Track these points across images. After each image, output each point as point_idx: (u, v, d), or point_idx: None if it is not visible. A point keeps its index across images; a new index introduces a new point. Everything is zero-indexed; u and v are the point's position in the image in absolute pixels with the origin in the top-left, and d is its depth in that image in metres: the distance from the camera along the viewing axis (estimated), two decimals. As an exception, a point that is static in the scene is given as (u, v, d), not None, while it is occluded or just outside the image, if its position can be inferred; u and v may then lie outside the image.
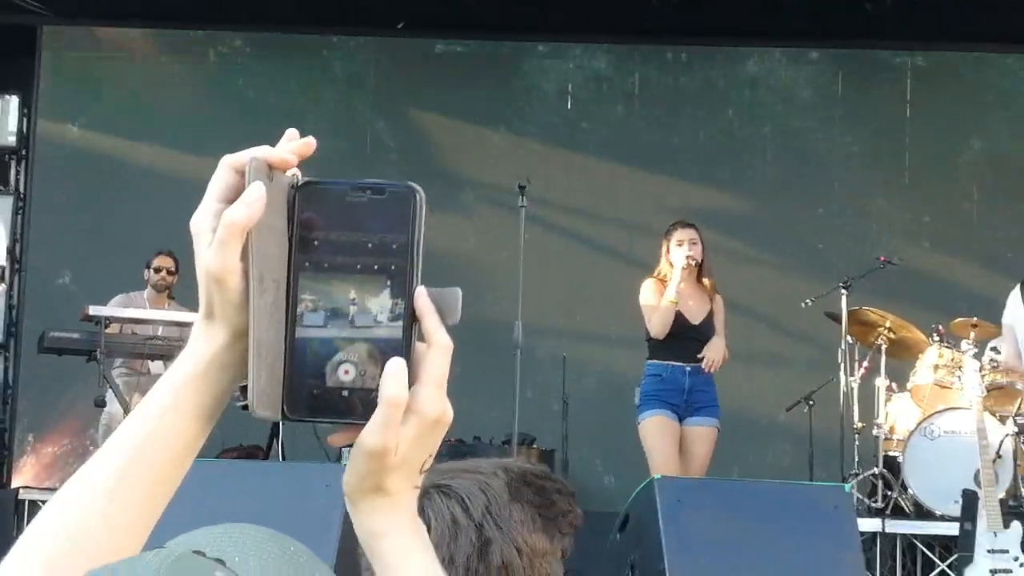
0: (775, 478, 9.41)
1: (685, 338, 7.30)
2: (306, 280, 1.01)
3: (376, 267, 1.01)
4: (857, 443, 8.39)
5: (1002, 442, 7.64)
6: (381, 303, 1.01)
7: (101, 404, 8.40)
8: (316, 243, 1.01)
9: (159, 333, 8.55)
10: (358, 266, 1.01)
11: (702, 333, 7.36)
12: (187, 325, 8.48)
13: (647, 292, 7.41)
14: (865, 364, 8.50)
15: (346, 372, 1.00)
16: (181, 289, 9.08)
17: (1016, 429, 7.79)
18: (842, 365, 8.36)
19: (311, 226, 1.02)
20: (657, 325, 7.27)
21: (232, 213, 1.00)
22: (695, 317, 7.38)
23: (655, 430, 7.20)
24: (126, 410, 8.24)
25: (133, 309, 8.66)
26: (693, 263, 7.32)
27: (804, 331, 9.52)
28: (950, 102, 10.47)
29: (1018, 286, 7.12)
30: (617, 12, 10.16)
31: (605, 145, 10.62)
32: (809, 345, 9.50)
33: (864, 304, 8.49)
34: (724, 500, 5.09)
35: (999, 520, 6.75)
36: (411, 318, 1.01)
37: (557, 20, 10.37)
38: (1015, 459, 7.71)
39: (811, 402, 8.66)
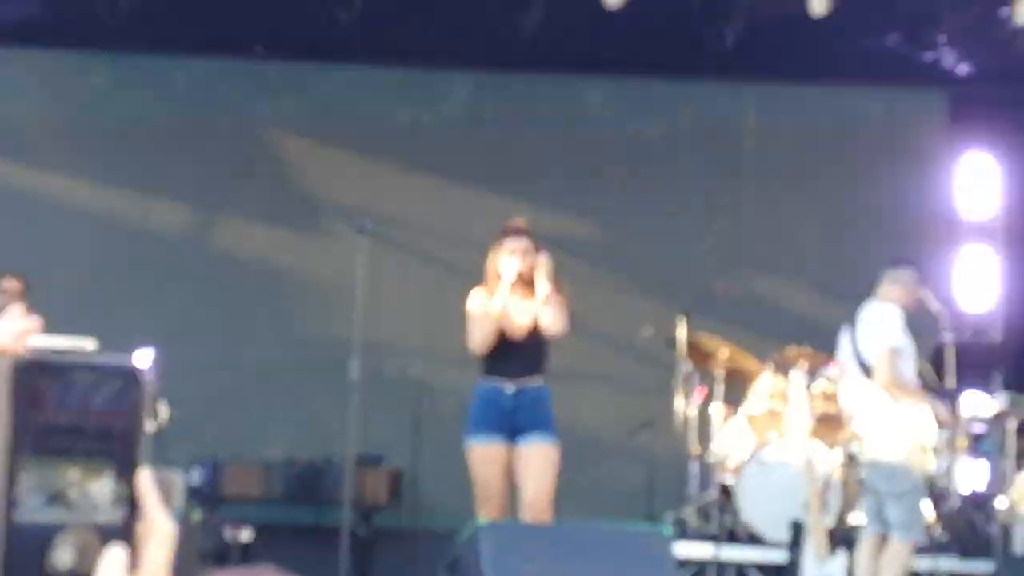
0: (617, 500, 9.64)
1: (509, 354, 6.79)
2: (28, 463, 0.99)
3: (99, 450, 1.00)
4: (697, 468, 8.62)
5: (830, 471, 7.90)
6: (102, 487, 1.00)
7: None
8: (37, 423, 0.99)
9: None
10: (80, 447, 0.99)
11: (526, 348, 6.82)
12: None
13: (472, 303, 6.92)
14: (703, 390, 8.73)
15: (64, 559, 0.99)
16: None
17: (846, 457, 8.05)
18: (681, 391, 8.57)
19: (33, 405, 0.99)
20: (474, 338, 6.81)
21: None
22: (521, 329, 6.84)
23: (477, 459, 6.77)
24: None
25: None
26: (516, 278, 6.78)
27: (644, 356, 9.73)
28: (788, 134, 10.77)
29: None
30: (468, 40, 10.26)
31: (453, 166, 10.73)
32: (649, 370, 9.72)
33: (703, 331, 8.72)
34: (547, 545, 5.23)
35: (825, 549, 7.00)
36: (131, 503, 1.01)
37: (407, 45, 10.44)
38: (844, 487, 7.98)
39: (652, 425, 8.87)
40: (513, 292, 6.82)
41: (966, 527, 8.07)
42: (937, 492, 7.50)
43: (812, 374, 8.33)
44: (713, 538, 8.18)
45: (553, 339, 6.86)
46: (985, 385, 8.90)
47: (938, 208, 10.69)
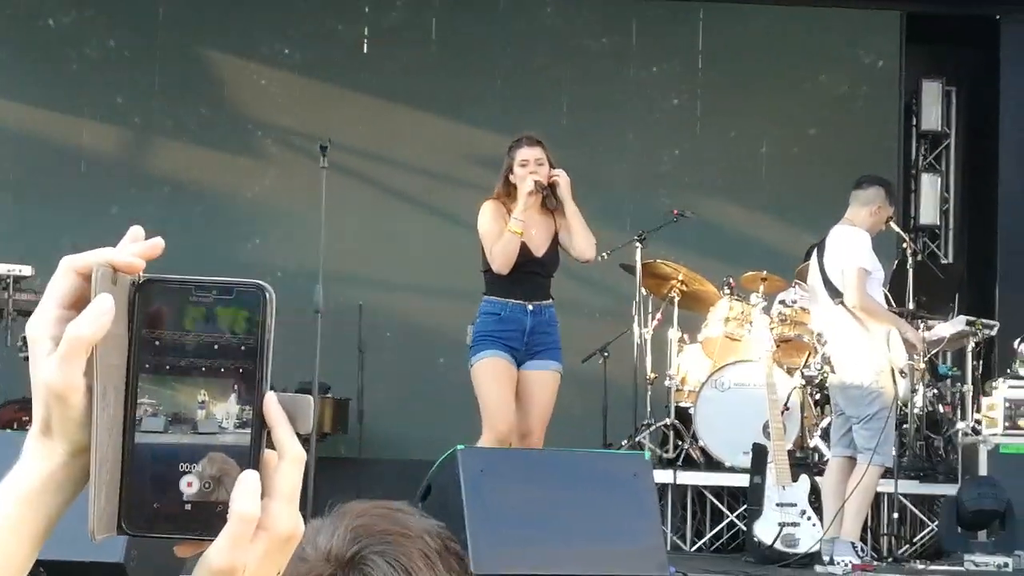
0: (570, 428, 9.55)
1: (528, 272, 6.40)
2: (146, 383, 0.95)
3: (223, 369, 0.95)
4: (650, 394, 8.56)
5: (790, 395, 7.89)
6: (228, 408, 0.95)
7: None
8: (158, 343, 0.95)
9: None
10: (203, 368, 0.95)
11: (546, 267, 6.51)
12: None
13: (486, 218, 6.43)
14: (659, 316, 8.66)
15: (189, 484, 0.95)
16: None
17: (804, 382, 8.04)
18: (636, 317, 8.48)
19: (153, 325, 0.96)
20: (499, 258, 6.31)
21: (78, 327, 0.93)
22: (539, 248, 6.46)
23: (489, 373, 6.32)
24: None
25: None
26: (539, 188, 6.35)
27: (600, 281, 9.62)
28: (739, 54, 10.66)
29: (817, 244, 7.35)
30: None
31: (403, 90, 10.50)
32: (605, 296, 9.62)
33: (658, 256, 8.63)
34: (527, 470, 5.12)
35: (787, 474, 6.97)
36: (260, 426, 0.96)
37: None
38: (802, 411, 7.97)
39: (606, 353, 8.79)
40: (531, 207, 6.39)
41: (926, 450, 8.08)
42: (900, 416, 7.48)
43: (770, 298, 8.30)
44: (671, 463, 8.13)
45: (586, 263, 6.65)
46: (941, 307, 8.90)
47: (891, 130, 10.64)
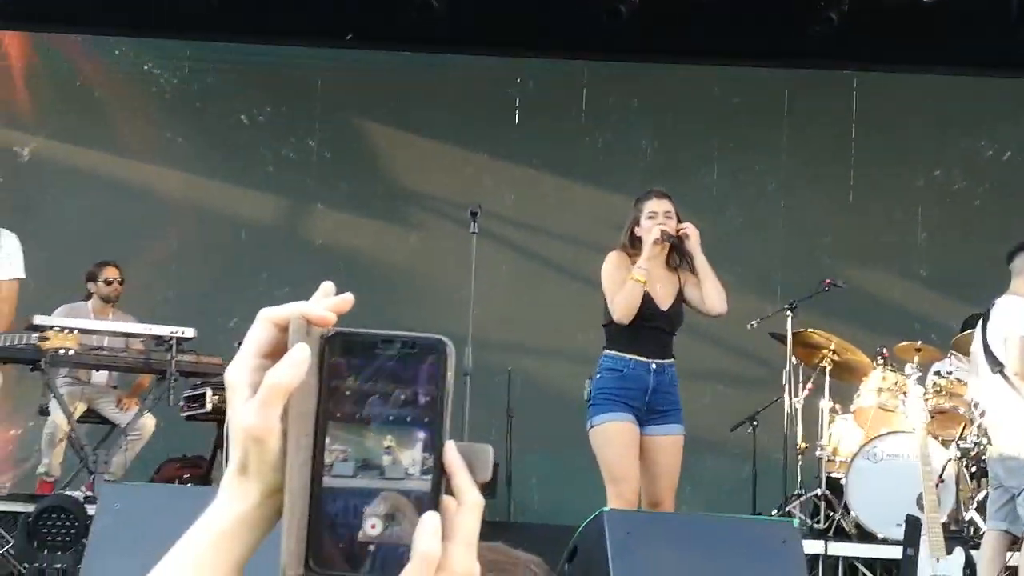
0: (718, 497, 9.49)
1: (652, 328, 6.22)
2: (337, 430, 1.00)
3: (409, 419, 1.00)
4: (800, 464, 8.46)
5: (945, 466, 7.71)
6: (413, 456, 1.00)
7: (45, 413, 8.48)
8: (348, 393, 1.00)
9: (104, 343, 8.49)
10: (391, 417, 1.00)
11: (671, 322, 6.29)
12: (133, 336, 8.46)
13: (610, 268, 6.29)
14: (809, 385, 8.57)
15: (372, 526, 0.99)
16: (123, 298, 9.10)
17: (959, 453, 7.87)
18: (786, 386, 8.42)
19: (342, 375, 1.01)
20: (621, 306, 6.12)
21: (277, 375, 0.99)
22: (663, 303, 6.27)
23: (614, 437, 6.14)
24: (69, 418, 8.19)
25: (79, 319, 8.59)
26: (666, 238, 6.20)
27: (750, 350, 9.58)
28: (895, 123, 10.57)
29: (983, 315, 7.23)
30: (566, 27, 10.17)
31: (551, 160, 10.64)
32: (755, 364, 9.56)
33: (809, 325, 8.56)
34: (674, 534, 5.09)
35: (942, 546, 6.81)
36: (440, 473, 1.01)
37: (504, 34, 10.38)
38: (957, 484, 7.79)
39: (755, 422, 8.73)
40: (655, 260, 6.25)
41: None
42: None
43: (925, 368, 8.17)
44: (822, 534, 8.00)
45: (716, 318, 6.40)
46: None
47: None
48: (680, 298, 6.33)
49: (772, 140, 10.62)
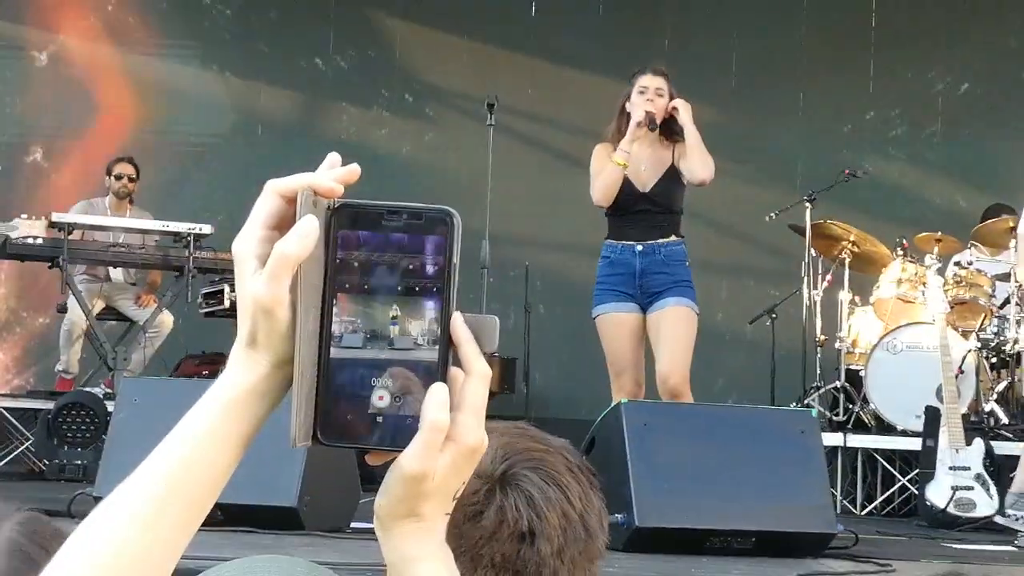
0: (737, 390, 9.49)
1: (638, 211, 6.14)
2: (345, 301, 1.01)
3: (417, 288, 1.00)
4: (819, 356, 8.44)
5: (964, 358, 7.69)
6: (422, 326, 1.00)
7: (63, 310, 8.50)
8: (356, 264, 1.01)
9: (120, 240, 8.49)
10: (399, 288, 1.00)
11: (657, 202, 6.16)
12: (149, 232, 8.45)
13: (595, 159, 6.24)
14: (828, 277, 8.52)
15: (381, 398, 1.00)
16: (140, 195, 9.07)
17: (979, 344, 7.84)
18: (805, 278, 8.37)
19: (350, 247, 1.01)
20: (598, 189, 6.11)
21: (286, 246, 0.99)
22: (646, 184, 6.15)
23: (606, 329, 6.19)
24: (87, 315, 8.21)
25: (95, 216, 8.58)
26: (648, 122, 6.02)
27: (768, 243, 9.52)
28: (916, 9, 10.40)
29: None
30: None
31: (570, 52, 10.51)
32: (773, 257, 9.52)
33: (829, 217, 8.49)
34: (691, 424, 5.10)
35: (961, 437, 6.82)
36: (448, 343, 1.01)
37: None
38: (977, 375, 7.76)
39: (774, 315, 8.70)
40: (643, 140, 6.10)
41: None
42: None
43: (945, 259, 8.11)
44: (841, 426, 8.01)
45: (700, 186, 6.16)
46: None
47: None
48: (671, 173, 6.17)
49: (791, 27, 10.46)
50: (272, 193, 1.03)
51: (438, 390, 0.99)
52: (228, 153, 10.59)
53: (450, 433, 1.00)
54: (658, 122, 6.09)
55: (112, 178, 8.87)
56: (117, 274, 8.88)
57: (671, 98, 6.13)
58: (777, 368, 8.74)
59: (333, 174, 1.03)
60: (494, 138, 7.46)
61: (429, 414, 0.99)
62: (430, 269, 1.01)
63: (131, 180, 8.90)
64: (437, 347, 1.00)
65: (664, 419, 5.05)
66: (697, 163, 6.05)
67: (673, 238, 6.19)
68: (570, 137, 10.46)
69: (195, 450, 1.01)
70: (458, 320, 1.01)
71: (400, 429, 1.00)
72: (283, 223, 1.01)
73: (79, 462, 7.22)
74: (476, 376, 1.01)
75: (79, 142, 10.35)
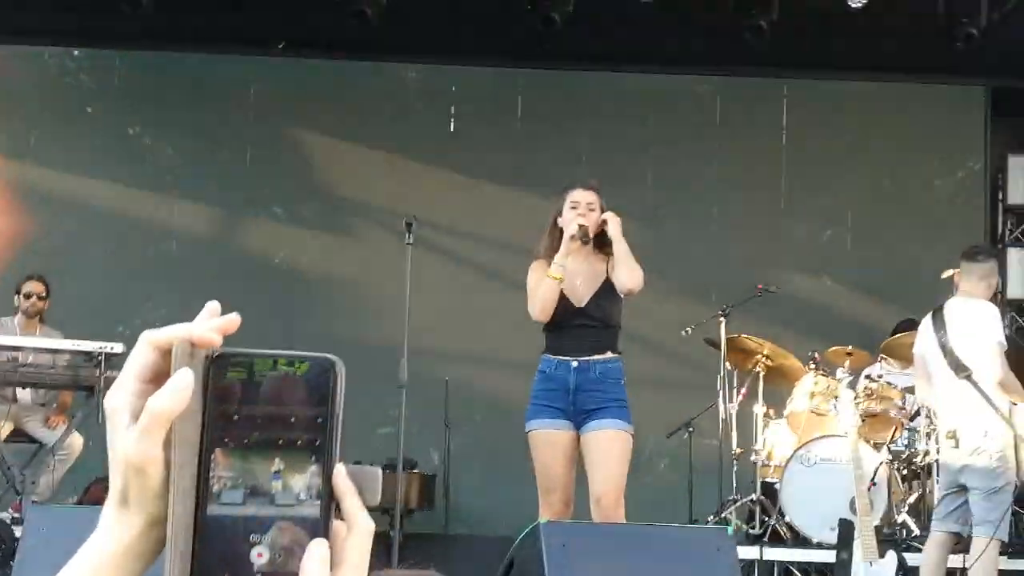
0: (656, 504, 9.49)
1: (575, 326, 6.09)
2: (223, 456, 0.97)
3: (299, 442, 0.97)
4: (736, 469, 8.50)
5: (877, 469, 7.78)
6: (304, 480, 0.97)
7: (-31, 430, 8.29)
8: (235, 417, 0.97)
9: (30, 360, 8.34)
10: (279, 441, 0.97)
11: (593, 316, 6.13)
12: (60, 352, 8.33)
13: (532, 275, 6.21)
14: (743, 391, 8.62)
15: (260, 555, 0.96)
16: (52, 314, 8.97)
17: (890, 456, 7.94)
18: (721, 392, 8.46)
19: (228, 400, 0.98)
20: (536, 304, 6.08)
21: (159, 401, 0.96)
22: (581, 299, 6.14)
23: (538, 446, 6.08)
24: (-6, 436, 8.06)
25: (3, 335, 8.46)
26: (582, 235, 6.05)
27: (685, 356, 9.60)
28: (824, 129, 10.67)
29: (929, 316, 7.22)
30: (501, 34, 10.17)
31: (488, 168, 10.63)
32: (690, 370, 9.59)
33: (743, 331, 8.62)
34: (610, 545, 5.09)
35: (875, 550, 6.86)
36: (330, 497, 0.98)
37: (434, 40, 10.35)
38: (889, 487, 7.86)
39: (691, 428, 8.76)
40: (577, 254, 6.14)
41: (1015, 525, 7.92)
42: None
43: (856, 373, 8.24)
44: (757, 539, 8.04)
45: (628, 296, 6.14)
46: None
47: (979, 203, 10.56)
48: (607, 286, 6.16)
49: (705, 147, 10.66)
50: (147, 344, 1.00)
51: (317, 547, 0.96)
52: (141, 270, 10.49)
53: None
54: (591, 235, 6.12)
55: (21, 297, 8.78)
56: (25, 395, 8.73)
57: (602, 211, 6.19)
58: (695, 481, 8.79)
59: (212, 324, 1.00)
60: (414, 253, 7.49)
61: (306, 573, 0.95)
62: (312, 420, 0.98)
63: (40, 299, 8.79)
64: (318, 500, 0.97)
65: (583, 540, 5.04)
66: (624, 273, 6.07)
67: (609, 355, 6.13)
68: (490, 251, 10.56)
69: None
70: (340, 473, 0.98)
71: None
72: (159, 376, 0.98)
73: (-15, 588, 7.04)
74: (359, 531, 0.99)
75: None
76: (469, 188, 10.62)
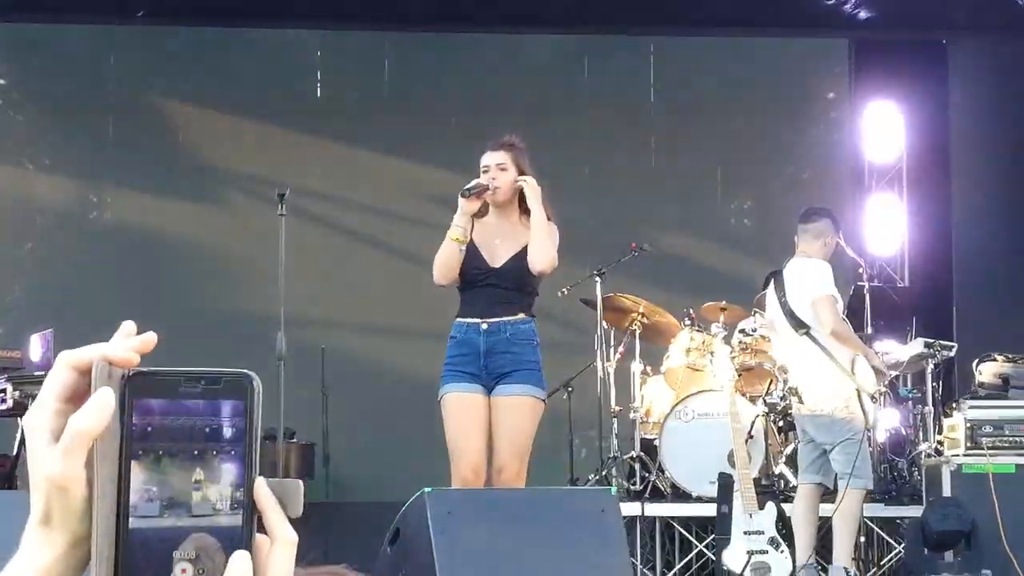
0: (538, 464, 9.54)
1: (484, 286, 5.86)
2: (141, 470, 0.98)
3: (215, 452, 0.98)
4: (615, 427, 8.58)
5: (753, 422, 7.92)
6: (221, 491, 0.98)
7: None
8: (150, 430, 0.98)
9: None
10: (195, 452, 0.98)
11: (507, 278, 5.88)
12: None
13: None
14: (621, 349, 8.69)
15: (184, 571, 0.97)
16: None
17: (766, 409, 8.08)
18: (598, 351, 8.51)
19: (145, 415, 0.99)
20: (436, 266, 5.88)
21: (80, 421, 0.96)
22: (498, 259, 5.90)
23: (446, 410, 5.89)
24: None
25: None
26: (475, 191, 5.82)
27: (562, 316, 9.64)
28: (691, 86, 10.76)
29: (772, 278, 7.39)
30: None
31: (356, 133, 10.53)
32: (567, 330, 9.64)
33: (618, 290, 8.68)
34: (494, 510, 5.10)
35: (754, 502, 7.00)
36: (252, 509, 0.98)
37: (299, 4, 10.22)
38: (766, 439, 8.00)
39: (570, 388, 8.81)
40: (500, 214, 5.94)
41: (890, 473, 8.14)
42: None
43: (730, 327, 8.36)
44: (638, 495, 8.13)
45: (540, 275, 5.91)
46: (899, 330, 8.97)
47: (843, 156, 10.76)
48: (526, 253, 5.88)
49: (574, 106, 10.69)
50: (65, 365, 1.00)
51: (239, 560, 0.96)
52: (5, 245, 10.23)
53: None
54: (499, 198, 5.91)
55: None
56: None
57: (520, 172, 5.97)
58: (576, 440, 8.86)
59: (128, 344, 1.01)
60: (287, 222, 7.37)
61: None
62: (229, 433, 0.98)
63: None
64: (239, 512, 0.98)
65: (468, 507, 5.04)
66: (535, 251, 5.84)
67: (521, 316, 5.90)
68: (362, 216, 10.48)
69: None
70: (262, 485, 0.99)
71: None
72: (77, 395, 0.99)
73: None
74: (282, 543, 0.99)
75: None
76: (338, 154, 10.52)
